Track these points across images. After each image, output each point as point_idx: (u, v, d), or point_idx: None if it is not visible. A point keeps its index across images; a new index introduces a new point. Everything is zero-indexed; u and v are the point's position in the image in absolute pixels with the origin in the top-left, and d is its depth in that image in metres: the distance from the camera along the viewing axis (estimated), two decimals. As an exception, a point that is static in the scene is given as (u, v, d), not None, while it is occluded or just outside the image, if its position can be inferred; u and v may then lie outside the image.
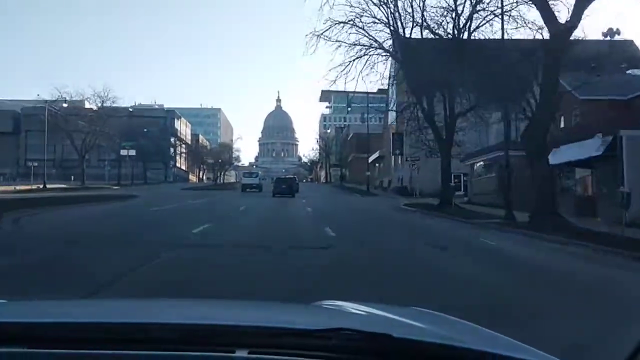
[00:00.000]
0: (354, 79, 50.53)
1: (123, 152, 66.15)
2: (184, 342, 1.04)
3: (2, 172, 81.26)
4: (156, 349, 1.02)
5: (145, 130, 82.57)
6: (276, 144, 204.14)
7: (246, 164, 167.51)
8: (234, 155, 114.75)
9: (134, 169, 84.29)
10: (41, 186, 49.78)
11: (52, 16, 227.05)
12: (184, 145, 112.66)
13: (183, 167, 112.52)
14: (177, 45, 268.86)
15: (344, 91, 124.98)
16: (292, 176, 56.10)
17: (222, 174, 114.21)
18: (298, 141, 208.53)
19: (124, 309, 1.59)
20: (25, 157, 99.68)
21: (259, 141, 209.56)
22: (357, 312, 1.63)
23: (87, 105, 69.69)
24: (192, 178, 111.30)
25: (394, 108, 40.81)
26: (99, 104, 66.43)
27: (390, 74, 32.40)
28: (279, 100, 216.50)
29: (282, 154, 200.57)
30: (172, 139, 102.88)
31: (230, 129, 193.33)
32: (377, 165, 69.22)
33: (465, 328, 1.57)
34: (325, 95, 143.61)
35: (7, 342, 1.02)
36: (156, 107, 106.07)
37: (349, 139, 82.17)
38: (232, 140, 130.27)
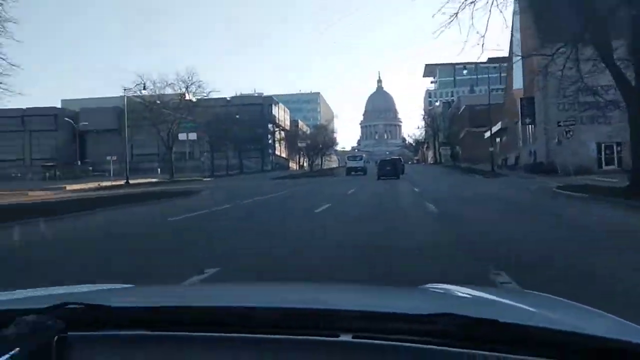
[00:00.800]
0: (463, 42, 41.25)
1: (182, 137, 60.37)
2: (289, 326, 1.06)
3: (100, 168, 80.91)
4: (264, 332, 1.04)
5: (237, 116, 77.24)
6: (378, 126, 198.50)
7: (348, 148, 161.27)
8: (330, 137, 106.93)
9: (229, 159, 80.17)
10: (123, 182, 45.30)
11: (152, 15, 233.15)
12: (282, 132, 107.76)
13: (283, 155, 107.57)
14: (276, 32, 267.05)
15: (450, 63, 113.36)
16: (396, 157, 52.60)
17: (321, 159, 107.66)
18: (401, 122, 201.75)
19: (233, 293, 1.67)
20: (131, 152, 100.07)
21: (360, 124, 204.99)
22: (465, 296, 1.56)
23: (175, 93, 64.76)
24: (293, 165, 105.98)
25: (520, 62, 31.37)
26: (183, 89, 60.41)
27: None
28: (379, 81, 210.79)
29: (385, 136, 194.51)
30: (270, 126, 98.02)
31: (330, 113, 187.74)
32: (497, 140, 59.15)
33: (587, 314, 1.39)
34: (430, 70, 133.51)
35: (131, 325, 1.08)
36: (254, 95, 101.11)
37: (459, 112, 72.10)
38: (326, 121, 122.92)
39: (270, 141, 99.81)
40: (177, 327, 1.07)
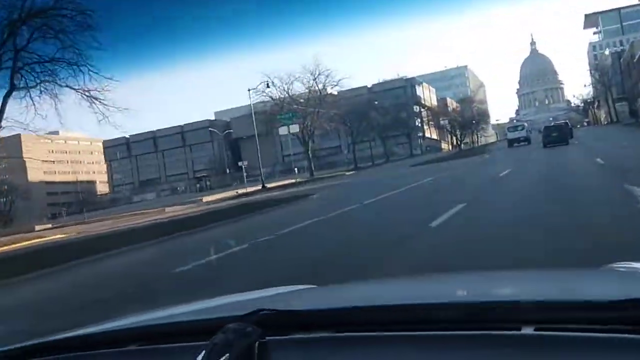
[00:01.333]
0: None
1: (282, 132, 56.30)
2: (469, 321, 1.04)
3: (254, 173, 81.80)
4: (443, 329, 1.03)
5: (375, 102, 72.86)
6: (537, 92, 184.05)
7: (505, 121, 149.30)
8: (480, 109, 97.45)
9: (372, 149, 76.29)
10: (260, 187, 43.40)
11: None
12: (429, 112, 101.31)
13: (433, 136, 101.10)
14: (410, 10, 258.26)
15: (615, 9, 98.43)
16: (563, 122, 47.38)
17: (472, 135, 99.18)
18: (563, 84, 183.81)
19: (412, 289, 1.63)
20: (281, 154, 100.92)
21: (517, 92, 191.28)
22: None
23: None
24: (445, 146, 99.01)
25: None
26: (311, 82, 57.07)
27: None
28: (533, 43, 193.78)
29: (546, 102, 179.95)
30: (415, 108, 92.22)
31: (481, 86, 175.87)
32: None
33: None
34: (591, 20, 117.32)
35: (317, 327, 1.11)
36: (396, 79, 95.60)
37: (635, 60, 60.27)
38: (472, 92, 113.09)
39: (418, 123, 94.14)
40: (362, 327, 1.09)
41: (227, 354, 0.94)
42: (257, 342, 1.00)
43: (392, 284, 2.03)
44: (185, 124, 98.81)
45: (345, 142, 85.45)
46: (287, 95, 56.69)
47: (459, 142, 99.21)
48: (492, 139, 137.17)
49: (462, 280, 1.80)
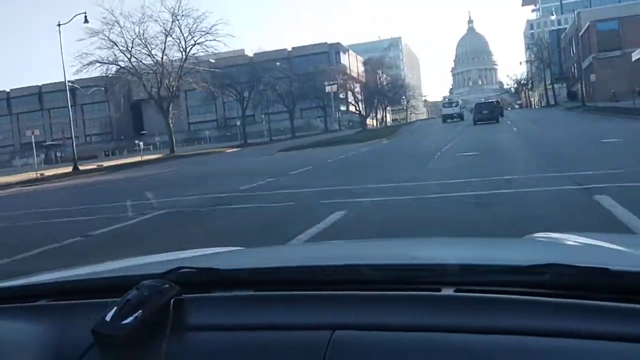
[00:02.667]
0: None
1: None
2: (391, 282, 1.06)
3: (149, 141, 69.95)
4: (365, 289, 1.04)
5: (277, 64, 62.08)
6: (472, 71, 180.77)
7: (439, 99, 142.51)
8: (392, 77, 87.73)
9: (293, 120, 66.14)
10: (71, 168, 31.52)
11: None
12: (357, 85, 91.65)
13: (360, 110, 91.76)
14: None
15: None
16: (493, 100, 46.89)
17: (384, 112, 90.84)
18: (497, 65, 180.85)
19: (336, 252, 1.65)
20: (187, 121, 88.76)
21: (451, 71, 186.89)
22: (574, 244, 1.49)
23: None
24: (371, 122, 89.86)
25: None
26: (173, 24, 43.69)
27: None
28: (470, 21, 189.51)
29: (480, 82, 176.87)
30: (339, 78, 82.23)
31: (416, 62, 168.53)
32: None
33: None
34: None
35: (238, 286, 1.12)
36: (318, 43, 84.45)
37: (580, 34, 51.93)
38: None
39: (342, 96, 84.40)
40: (282, 286, 1.09)
41: (140, 311, 0.93)
42: (172, 300, 0.99)
43: (318, 247, 1.99)
44: (76, 80, 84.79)
45: (260, 111, 75.10)
46: (140, 40, 42.80)
47: (382, 118, 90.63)
48: (424, 117, 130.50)
49: (387, 245, 1.83)
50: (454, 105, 51.08)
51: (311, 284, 1.08)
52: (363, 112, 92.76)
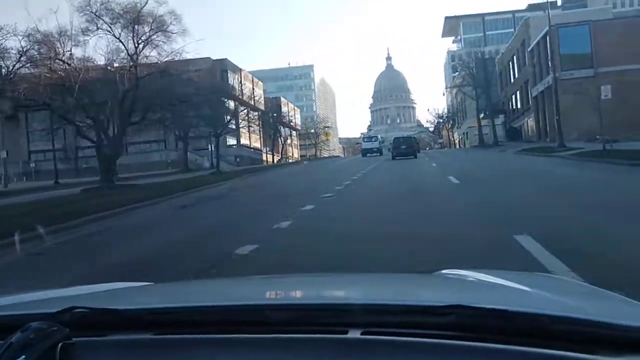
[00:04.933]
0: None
1: None
2: (295, 324, 1.01)
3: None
4: (269, 331, 1.00)
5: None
6: (390, 109, 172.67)
7: (357, 135, 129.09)
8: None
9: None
10: None
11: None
12: (254, 113, 74.59)
13: (257, 144, 74.47)
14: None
15: (478, 14, 74.00)
16: (411, 135, 47.10)
17: (281, 145, 74.64)
18: (415, 103, 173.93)
19: (243, 290, 1.58)
20: (28, 149, 68.12)
21: (370, 107, 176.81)
22: (480, 282, 1.47)
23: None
24: (268, 158, 72.72)
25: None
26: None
27: None
28: (389, 58, 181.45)
29: (398, 120, 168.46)
30: (230, 103, 64.81)
31: (331, 95, 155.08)
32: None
33: (610, 300, 1.29)
34: (451, 26, 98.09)
35: (137, 328, 1.03)
36: (199, 58, 65.87)
37: (530, 49, 36.81)
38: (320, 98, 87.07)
39: (232, 125, 66.96)
40: (183, 329, 1.03)
41: (24, 356, 0.85)
42: (61, 344, 0.91)
43: (225, 284, 1.90)
44: None
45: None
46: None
47: (281, 153, 74.06)
48: (337, 153, 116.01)
49: (294, 282, 1.74)
50: (373, 140, 50.90)
51: (213, 325, 1.01)
52: (261, 146, 75.82)
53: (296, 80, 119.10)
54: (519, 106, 44.17)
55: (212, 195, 15.45)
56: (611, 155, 16.15)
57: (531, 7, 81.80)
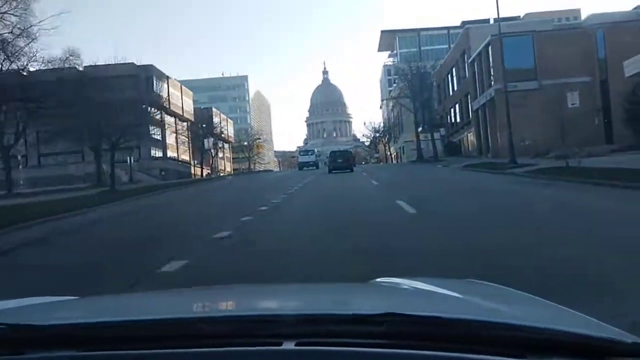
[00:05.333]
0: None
1: None
2: (229, 336, 0.99)
3: None
4: (201, 345, 0.97)
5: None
6: (326, 123, 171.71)
7: (293, 149, 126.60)
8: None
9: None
10: None
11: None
12: (183, 124, 70.27)
13: (184, 156, 69.97)
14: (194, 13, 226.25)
15: (414, 29, 73.99)
16: (347, 149, 45.99)
17: (211, 158, 71.09)
18: (352, 117, 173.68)
19: (171, 302, 1.54)
20: None
21: (306, 121, 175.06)
22: (414, 290, 1.50)
23: None
24: (199, 172, 68.40)
25: None
26: None
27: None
28: (325, 72, 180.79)
29: (334, 134, 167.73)
30: (154, 112, 60.17)
31: (266, 107, 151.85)
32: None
33: (535, 304, 1.36)
34: (387, 40, 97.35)
35: (57, 345, 0.98)
36: (124, 63, 60.50)
37: (471, 60, 35.06)
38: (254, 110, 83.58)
39: (158, 136, 62.29)
40: (110, 345, 0.98)
41: None
42: None
43: (155, 297, 1.81)
44: None
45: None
46: None
47: (212, 167, 70.09)
48: (272, 167, 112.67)
49: (226, 293, 1.69)
50: (310, 153, 50.76)
51: (141, 341, 0.96)
52: (190, 159, 71.40)
53: (230, 91, 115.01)
54: (458, 120, 42.50)
55: (63, 229, 11.02)
56: (579, 173, 13.76)
57: (465, 24, 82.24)
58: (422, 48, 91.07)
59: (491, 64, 30.95)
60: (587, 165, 14.84)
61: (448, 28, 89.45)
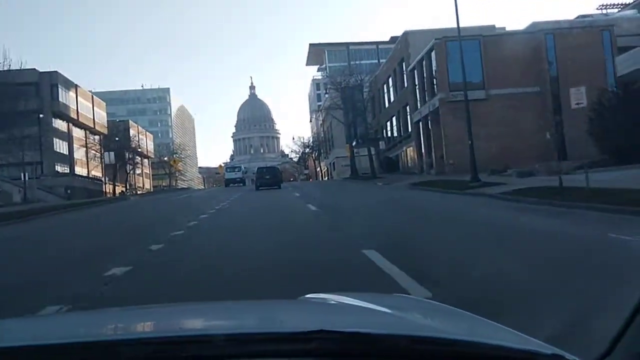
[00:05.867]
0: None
1: None
2: (154, 359, 0.97)
3: None
4: None
5: None
6: (253, 139, 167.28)
7: (217, 165, 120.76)
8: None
9: None
10: None
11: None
12: (95, 138, 63.66)
13: (95, 172, 63.11)
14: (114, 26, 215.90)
15: (343, 43, 71.42)
16: (275, 165, 45.04)
17: (128, 174, 65.45)
18: (279, 133, 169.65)
19: (91, 323, 1.42)
20: None
21: (233, 137, 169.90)
22: (343, 306, 1.48)
23: None
24: (114, 189, 61.78)
25: None
26: None
27: None
28: (252, 87, 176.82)
29: (262, 150, 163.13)
30: (56, 122, 53.45)
31: (190, 121, 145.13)
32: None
33: (463, 319, 1.36)
34: (316, 53, 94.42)
35: None
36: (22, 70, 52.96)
37: (411, 68, 31.93)
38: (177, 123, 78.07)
39: (61, 149, 55.55)
40: None
41: None
42: None
43: (70, 319, 1.69)
44: None
45: None
46: None
47: (126, 184, 63.89)
48: (195, 184, 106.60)
49: (149, 314, 1.58)
50: (236, 170, 50.66)
51: None
52: (103, 175, 64.60)
53: (150, 103, 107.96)
54: (395, 134, 39.33)
55: None
56: (579, 195, 10.28)
57: (394, 40, 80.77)
58: (352, 62, 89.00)
59: (434, 71, 27.81)
60: (580, 184, 11.37)
61: (377, 43, 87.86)
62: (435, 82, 28.08)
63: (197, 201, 21.79)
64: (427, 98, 28.79)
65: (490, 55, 26.04)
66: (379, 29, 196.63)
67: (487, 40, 26.37)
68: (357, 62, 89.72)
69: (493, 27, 27.66)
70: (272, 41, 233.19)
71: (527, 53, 26.68)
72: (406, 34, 33.04)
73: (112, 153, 53.61)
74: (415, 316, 1.32)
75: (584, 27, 28.76)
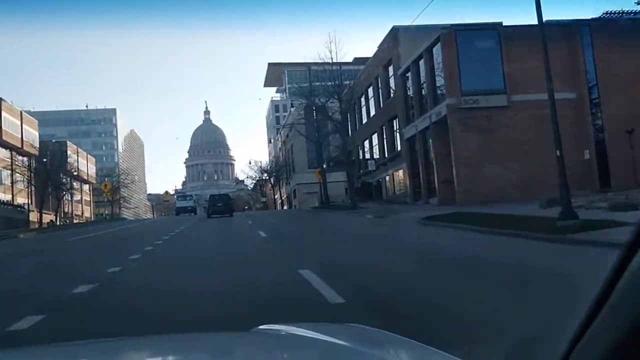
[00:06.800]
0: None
1: None
2: None
3: None
4: None
5: None
6: (207, 165, 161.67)
7: (170, 191, 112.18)
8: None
9: None
10: None
11: None
12: (23, 159, 54.74)
13: (22, 199, 53.99)
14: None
15: (304, 62, 65.71)
16: (228, 193, 44.54)
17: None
18: (234, 160, 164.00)
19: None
20: None
21: (185, 162, 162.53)
22: (297, 338, 1.42)
23: None
24: (44, 218, 52.79)
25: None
26: None
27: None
28: (207, 112, 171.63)
29: (216, 177, 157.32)
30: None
31: (139, 145, 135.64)
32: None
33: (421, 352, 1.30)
34: (274, 73, 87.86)
35: None
36: None
37: (404, 70, 25.40)
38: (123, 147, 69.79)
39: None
40: None
41: None
42: None
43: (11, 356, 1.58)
44: None
45: None
46: None
47: (58, 212, 55.00)
48: (143, 212, 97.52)
49: (97, 348, 1.45)
50: (188, 198, 50.37)
51: None
52: (29, 202, 55.41)
53: (94, 125, 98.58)
54: (376, 155, 32.68)
55: None
56: None
57: (357, 61, 75.48)
58: (313, 84, 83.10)
59: (437, 70, 21.34)
60: None
61: (340, 64, 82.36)
62: (436, 86, 21.62)
63: (117, 241, 14.43)
64: (427, 107, 22.27)
65: (514, 52, 19.83)
66: (341, 52, 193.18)
67: (507, 33, 20.17)
68: (318, 84, 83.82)
69: (500, 24, 21.71)
70: (228, 65, 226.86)
71: (561, 50, 20.80)
72: (395, 29, 26.69)
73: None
74: (372, 348, 1.24)
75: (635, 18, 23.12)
